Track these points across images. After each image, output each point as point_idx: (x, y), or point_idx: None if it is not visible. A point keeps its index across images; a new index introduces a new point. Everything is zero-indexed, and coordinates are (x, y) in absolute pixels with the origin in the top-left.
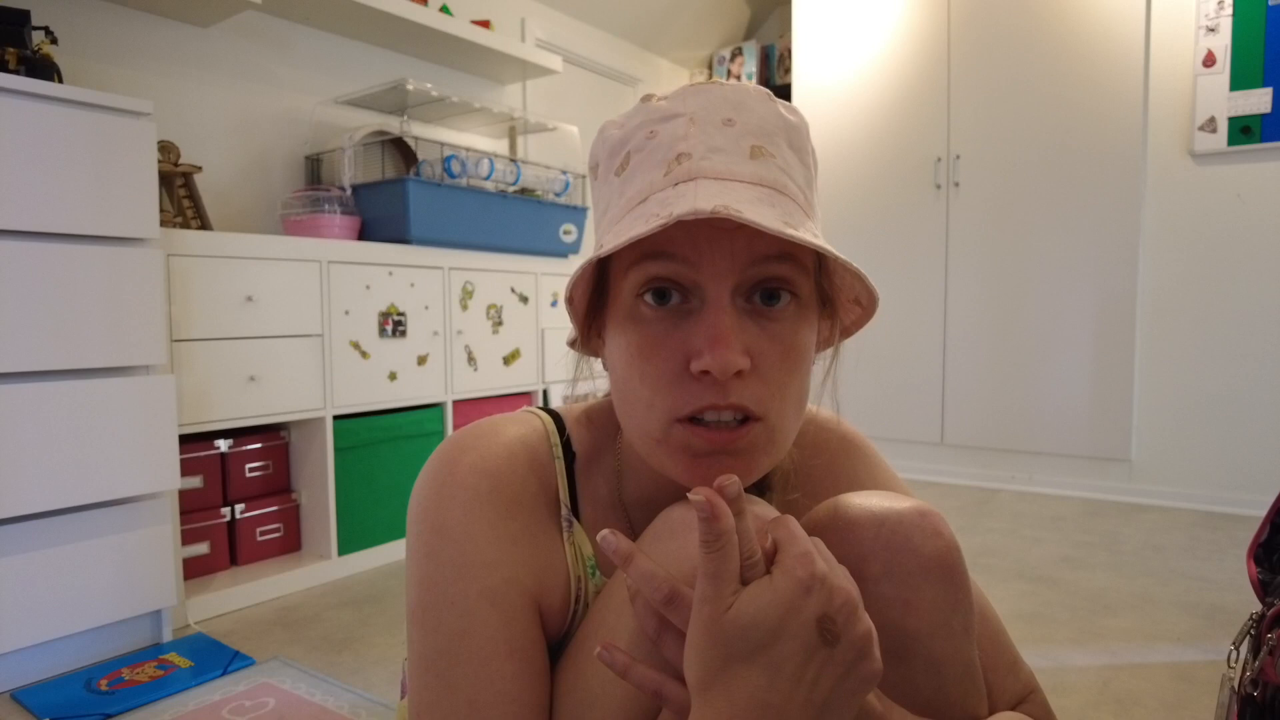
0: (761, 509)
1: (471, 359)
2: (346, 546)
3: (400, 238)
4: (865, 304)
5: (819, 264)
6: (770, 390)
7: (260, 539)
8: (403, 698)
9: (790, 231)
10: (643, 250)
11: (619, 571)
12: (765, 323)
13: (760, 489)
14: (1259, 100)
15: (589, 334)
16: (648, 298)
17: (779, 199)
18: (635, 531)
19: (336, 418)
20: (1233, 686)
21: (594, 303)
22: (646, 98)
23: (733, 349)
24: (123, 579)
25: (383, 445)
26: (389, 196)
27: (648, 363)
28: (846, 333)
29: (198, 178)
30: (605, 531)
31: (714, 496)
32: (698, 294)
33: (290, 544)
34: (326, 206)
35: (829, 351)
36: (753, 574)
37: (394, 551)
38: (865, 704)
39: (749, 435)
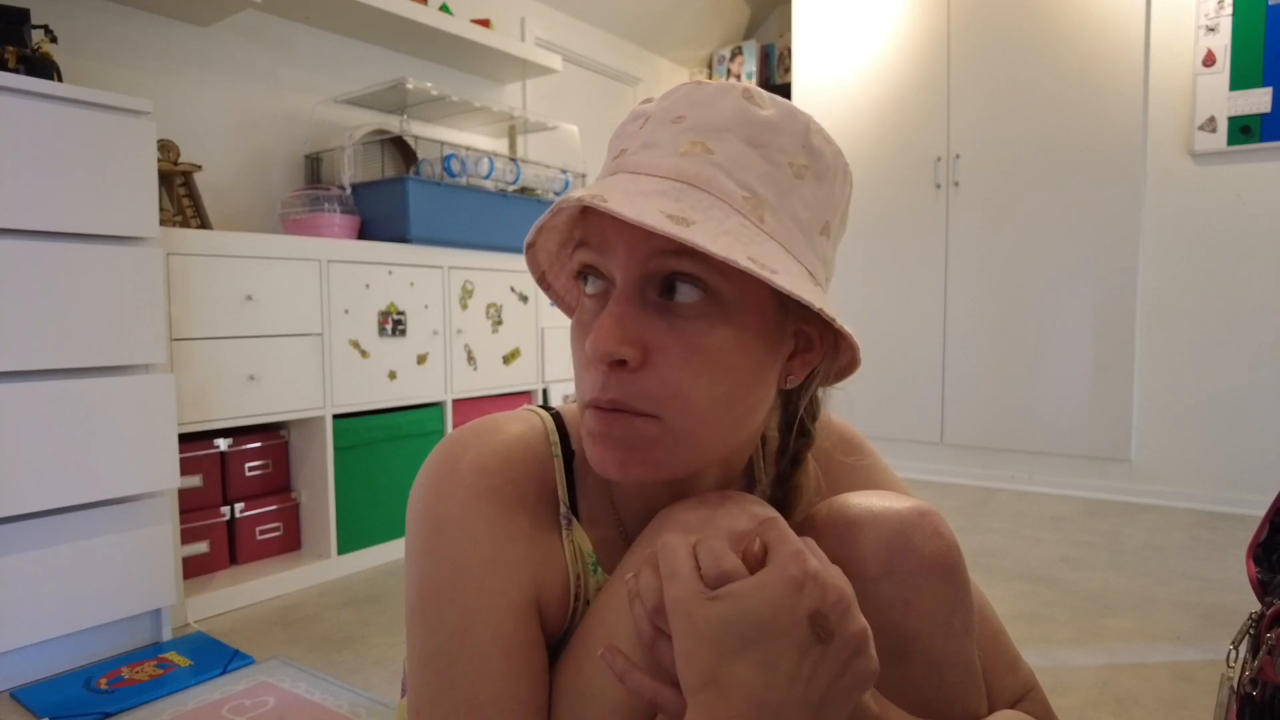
0: (759, 508)
1: (471, 358)
2: (346, 546)
3: (400, 237)
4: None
5: None
6: (667, 389)
7: (260, 538)
8: (403, 696)
9: (659, 222)
10: (577, 239)
11: (618, 572)
12: (674, 319)
13: (783, 510)
14: (1259, 100)
15: None
16: (581, 283)
17: (690, 193)
18: (629, 529)
19: (336, 417)
20: (1232, 686)
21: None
22: (645, 101)
23: (611, 336)
24: (122, 578)
25: (382, 444)
26: (389, 196)
27: (575, 345)
28: (851, 359)
29: (197, 177)
30: (629, 577)
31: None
32: (613, 284)
33: (290, 543)
34: (326, 205)
35: (821, 364)
36: (725, 582)
37: (394, 551)
38: (862, 704)
39: (636, 426)
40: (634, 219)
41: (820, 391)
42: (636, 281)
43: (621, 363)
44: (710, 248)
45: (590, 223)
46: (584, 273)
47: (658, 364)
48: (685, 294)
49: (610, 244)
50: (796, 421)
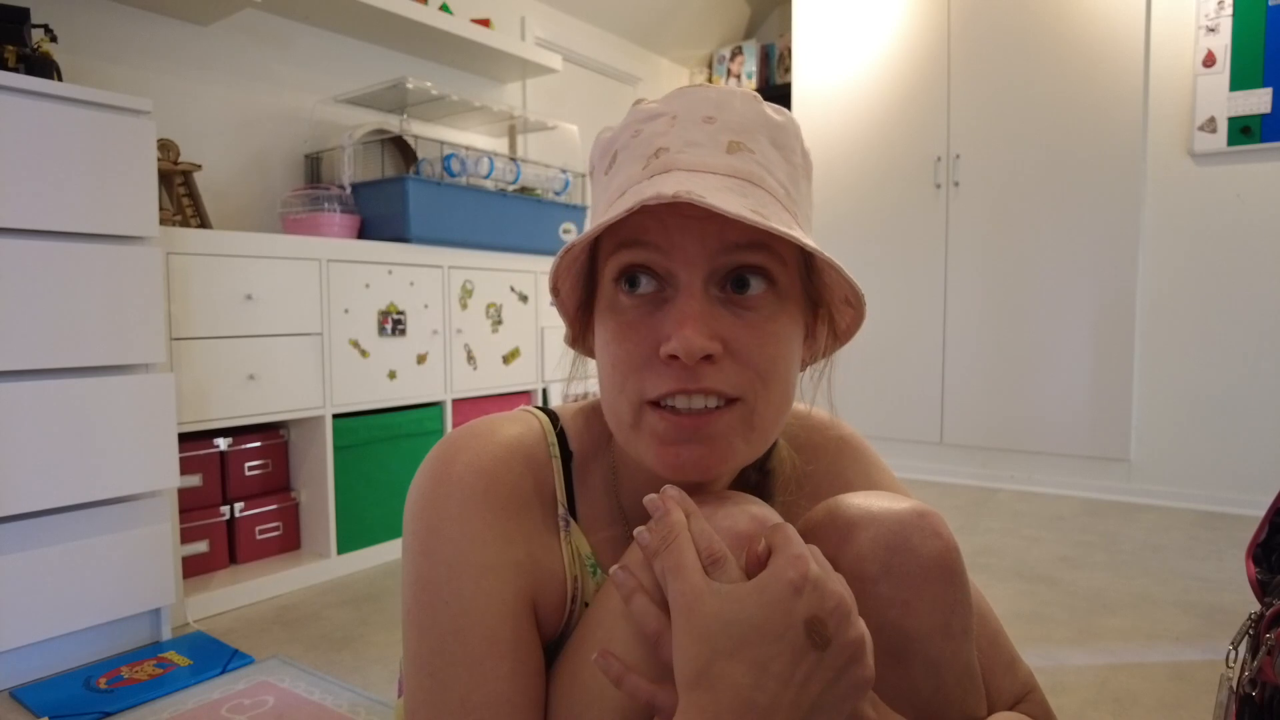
0: (759, 509)
1: (471, 358)
2: (345, 545)
3: (400, 236)
4: (855, 304)
5: (806, 263)
6: (747, 373)
7: (259, 537)
8: (400, 696)
9: (754, 217)
10: (619, 239)
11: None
12: (740, 310)
13: (764, 493)
14: (1259, 100)
15: (582, 332)
16: (623, 285)
17: (751, 190)
18: (632, 530)
19: (336, 416)
20: (1231, 686)
21: (584, 299)
22: (638, 102)
23: (700, 333)
24: (122, 577)
25: (382, 444)
26: (389, 195)
27: (620, 347)
28: (844, 336)
29: (197, 176)
30: (615, 569)
31: (664, 496)
32: (672, 282)
33: (289, 542)
34: (326, 205)
35: (817, 346)
36: (717, 572)
37: (393, 550)
38: (858, 709)
39: (722, 419)
40: (734, 213)
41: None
42: (705, 277)
43: (706, 357)
44: (807, 242)
45: (646, 221)
46: (631, 272)
47: (736, 352)
48: (753, 286)
49: (674, 241)
50: None
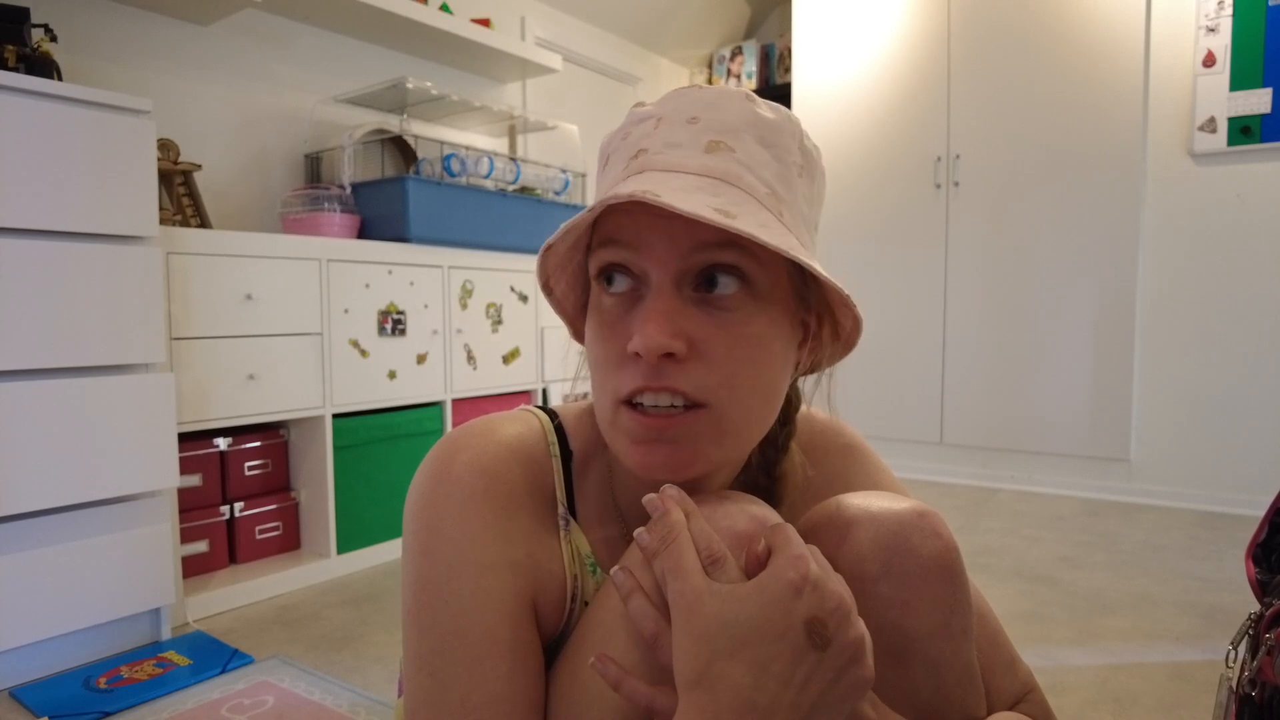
0: (758, 509)
1: (471, 358)
2: (345, 545)
3: (400, 236)
4: (849, 304)
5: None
6: (716, 377)
7: (259, 537)
8: (400, 696)
9: (713, 215)
10: (599, 238)
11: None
12: (713, 310)
13: (773, 498)
14: (1259, 100)
15: (584, 329)
16: (603, 283)
17: (724, 189)
18: (629, 530)
19: (336, 416)
20: (1231, 686)
21: (583, 299)
22: (637, 105)
23: (662, 330)
24: (122, 577)
25: (382, 444)
26: (389, 195)
27: (600, 345)
28: (848, 341)
29: (197, 176)
30: (614, 570)
31: (663, 496)
32: (645, 280)
33: (289, 542)
34: (326, 205)
35: (822, 352)
36: (717, 572)
37: (393, 550)
38: (858, 710)
39: (688, 422)
40: (689, 212)
41: (827, 384)
42: (676, 276)
43: (669, 356)
44: (769, 240)
45: (620, 220)
46: (609, 271)
47: (705, 354)
48: (725, 285)
49: (646, 240)
50: (782, 409)
